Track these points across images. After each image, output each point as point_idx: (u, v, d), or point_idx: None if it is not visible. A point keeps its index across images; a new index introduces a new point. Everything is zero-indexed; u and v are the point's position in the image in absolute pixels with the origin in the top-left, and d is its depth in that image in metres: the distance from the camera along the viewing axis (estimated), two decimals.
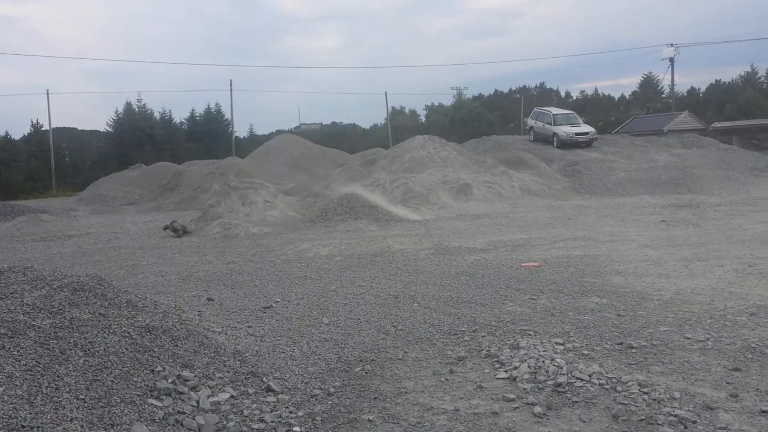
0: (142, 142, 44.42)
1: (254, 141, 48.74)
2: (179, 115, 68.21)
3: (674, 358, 5.50)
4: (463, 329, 6.66)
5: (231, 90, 48.14)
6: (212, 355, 5.34)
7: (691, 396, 4.68)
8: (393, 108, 57.60)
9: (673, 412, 4.38)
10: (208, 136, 48.45)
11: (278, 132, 50.88)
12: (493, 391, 4.98)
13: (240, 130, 72.75)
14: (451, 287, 8.75)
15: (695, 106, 46.62)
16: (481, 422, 4.43)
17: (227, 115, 50.89)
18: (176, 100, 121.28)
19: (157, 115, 50.23)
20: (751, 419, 4.25)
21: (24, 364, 4.32)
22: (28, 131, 46.37)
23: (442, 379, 5.31)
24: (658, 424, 4.24)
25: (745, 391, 4.73)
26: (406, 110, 60.17)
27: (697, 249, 10.85)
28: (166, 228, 16.73)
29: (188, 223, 17.51)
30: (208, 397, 4.72)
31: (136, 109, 48.86)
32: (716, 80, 56.92)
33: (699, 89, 56.74)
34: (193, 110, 52.77)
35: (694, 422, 4.23)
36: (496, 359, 5.66)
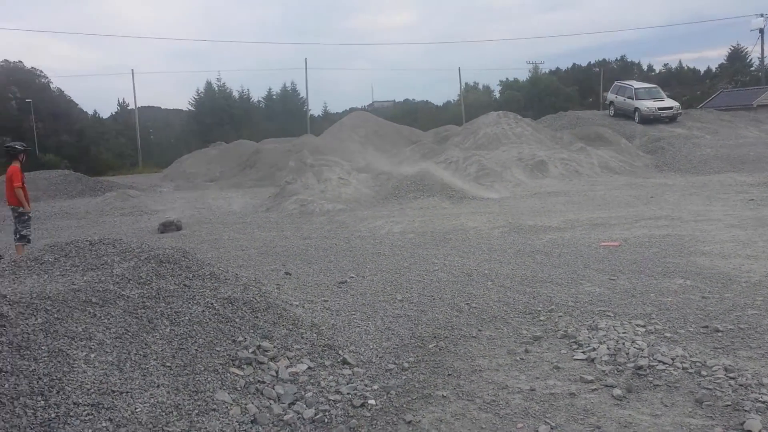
0: (222, 121, 45.78)
1: (328, 119, 49.34)
2: (257, 94, 69.86)
3: (763, 343, 5.23)
4: (539, 309, 6.56)
5: (306, 68, 48.74)
6: (290, 327, 5.48)
7: None
8: (466, 84, 57.01)
9: (760, 399, 4.18)
10: (284, 115, 49.37)
11: (351, 110, 51.27)
12: (570, 372, 4.89)
13: (314, 109, 73.77)
14: (526, 266, 8.62)
15: None
16: (557, 403, 4.37)
17: (302, 94, 51.71)
18: (254, 80, 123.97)
19: (235, 94, 51.61)
20: None
21: (114, 332, 4.57)
22: (115, 110, 48.72)
23: (517, 358, 5.26)
24: (745, 410, 4.06)
25: None
26: (480, 86, 59.35)
27: None
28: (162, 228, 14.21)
29: (267, 200, 17.95)
30: (287, 367, 4.86)
31: (216, 89, 50.34)
32: None
33: None
34: (270, 89, 54.02)
35: None
36: (573, 340, 5.55)
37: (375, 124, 34.76)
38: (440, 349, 5.52)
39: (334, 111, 57.74)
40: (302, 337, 5.37)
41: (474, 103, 50.51)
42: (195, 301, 5.33)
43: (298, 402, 4.43)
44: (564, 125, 30.40)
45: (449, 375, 4.95)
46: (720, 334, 5.51)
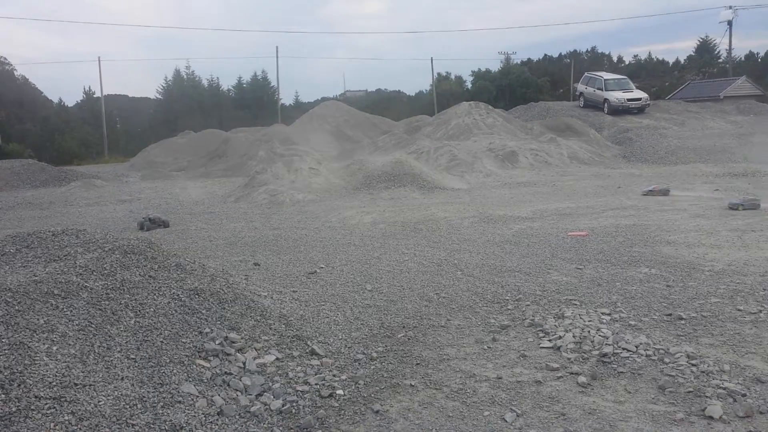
0: (190, 109, 45.12)
1: (300, 108, 48.95)
2: (227, 83, 68.97)
3: (725, 330, 5.35)
4: (507, 298, 6.61)
5: (277, 57, 48.25)
6: (258, 318, 5.44)
7: (741, 369, 4.56)
8: (438, 74, 56.97)
9: (722, 385, 4.28)
10: (254, 104, 48.88)
11: (323, 99, 50.93)
12: (536, 360, 4.94)
13: (286, 98, 73.14)
14: (496, 256, 8.68)
15: (754, 71, 44.44)
16: (524, 390, 4.41)
17: (273, 83, 51.17)
18: (224, 68, 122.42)
19: (205, 82, 50.92)
20: None
21: (77, 324, 4.48)
22: (81, 98, 47.65)
23: (485, 347, 5.30)
24: (706, 397, 4.15)
25: None
26: (452, 76, 59.36)
27: (752, 219, 10.46)
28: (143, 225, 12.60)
29: (236, 190, 17.76)
30: (255, 359, 4.83)
31: (185, 77, 49.60)
32: None
33: (758, 54, 54.24)
34: (240, 78, 53.26)
35: (744, 395, 4.12)
36: (540, 328, 5.61)
37: (347, 114, 34.63)
38: (409, 339, 5.53)
39: (305, 100, 57.32)
40: (270, 328, 5.33)
41: (446, 93, 50.57)
42: (160, 293, 5.26)
43: (265, 393, 4.41)
44: (534, 116, 30.66)
45: (417, 364, 4.96)
46: (683, 321, 5.61)
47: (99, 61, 43.65)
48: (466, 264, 8.23)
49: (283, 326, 5.45)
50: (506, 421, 3.98)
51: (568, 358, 4.92)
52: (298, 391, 4.46)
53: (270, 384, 4.53)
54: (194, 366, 4.52)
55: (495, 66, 64.79)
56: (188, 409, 4.05)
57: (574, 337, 5.27)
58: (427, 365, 4.94)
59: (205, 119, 42.72)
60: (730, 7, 43.78)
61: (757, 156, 21.01)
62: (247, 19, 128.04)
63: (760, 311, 5.77)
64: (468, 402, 4.28)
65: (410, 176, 17.33)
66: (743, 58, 52.80)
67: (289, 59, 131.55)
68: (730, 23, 44.45)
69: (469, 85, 56.54)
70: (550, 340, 5.30)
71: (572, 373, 4.64)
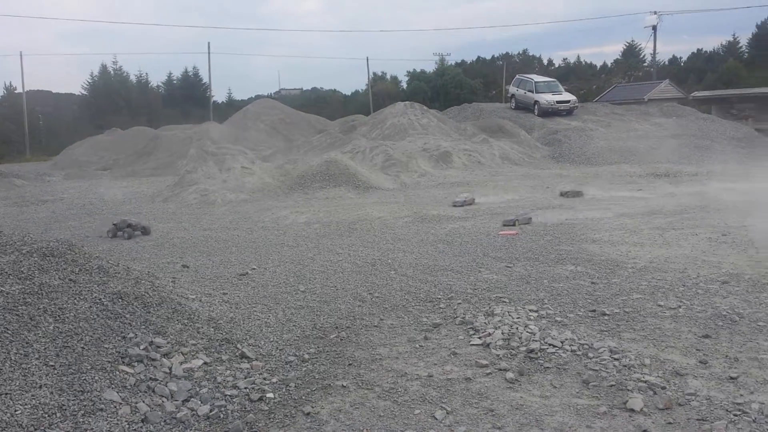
0: (117, 106, 43.65)
1: (233, 106, 48.12)
2: (156, 79, 67.04)
3: (646, 325, 5.58)
4: (439, 297, 6.68)
5: (209, 53, 47.29)
6: (186, 322, 5.29)
7: (661, 362, 4.75)
8: (374, 74, 57.14)
9: (642, 378, 4.45)
10: (185, 101, 47.71)
11: (258, 97, 50.24)
12: (466, 358, 5.01)
13: (218, 95, 71.82)
14: (429, 255, 8.76)
15: (676, 75, 46.67)
16: (453, 388, 4.47)
17: (205, 79, 50.11)
18: (153, 63, 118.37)
19: (133, 78, 49.41)
20: (719, 385, 4.33)
21: None
22: (1, 94, 45.33)
23: (417, 345, 5.34)
24: (628, 390, 4.30)
25: (714, 357, 4.81)
26: (388, 76, 59.67)
27: (673, 218, 10.96)
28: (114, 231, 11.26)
29: (165, 190, 17.26)
30: (181, 363, 4.70)
31: (112, 72, 47.98)
32: (698, 49, 57.06)
33: (681, 58, 56.96)
34: (170, 74, 51.96)
35: (663, 388, 4.30)
36: (470, 326, 5.69)
37: (281, 112, 34.28)
38: (341, 340, 5.51)
39: (239, 98, 56.41)
40: (198, 332, 5.20)
41: (382, 92, 50.73)
42: (81, 297, 5.04)
43: (192, 399, 4.30)
44: (468, 117, 31.14)
45: (350, 365, 4.95)
46: (606, 317, 5.82)
47: (21, 55, 41.67)
48: (399, 263, 8.27)
49: (212, 329, 5.32)
50: (436, 419, 4.02)
51: (497, 355, 5.01)
52: (226, 395, 4.37)
53: (197, 389, 4.42)
54: (117, 372, 4.35)
55: (430, 67, 65.44)
56: (110, 417, 3.90)
57: (503, 333, 5.38)
58: (360, 365, 4.93)
59: (133, 116, 41.38)
60: (655, 12, 45.69)
61: (679, 157, 22.05)
62: (179, 13, 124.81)
63: (680, 306, 6.03)
64: (399, 401, 4.29)
65: (345, 176, 17.30)
66: (667, 62, 55.36)
67: (223, 56, 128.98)
68: (654, 28, 46.31)
69: (404, 85, 56.98)
70: (480, 338, 5.39)
71: (501, 369, 4.73)
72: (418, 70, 55.00)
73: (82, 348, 4.44)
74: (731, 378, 4.42)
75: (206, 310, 5.72)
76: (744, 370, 4.55)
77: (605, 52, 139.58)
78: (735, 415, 3.90)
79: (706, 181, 16.38)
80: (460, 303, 6.41)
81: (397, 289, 7.03)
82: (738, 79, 41.75)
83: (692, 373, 4.53)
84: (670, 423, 3.87)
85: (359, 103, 50.12)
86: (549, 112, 29.83)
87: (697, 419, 3.89)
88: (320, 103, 51.09)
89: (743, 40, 54.04)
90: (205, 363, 4.80)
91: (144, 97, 47.01)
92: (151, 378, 4.41)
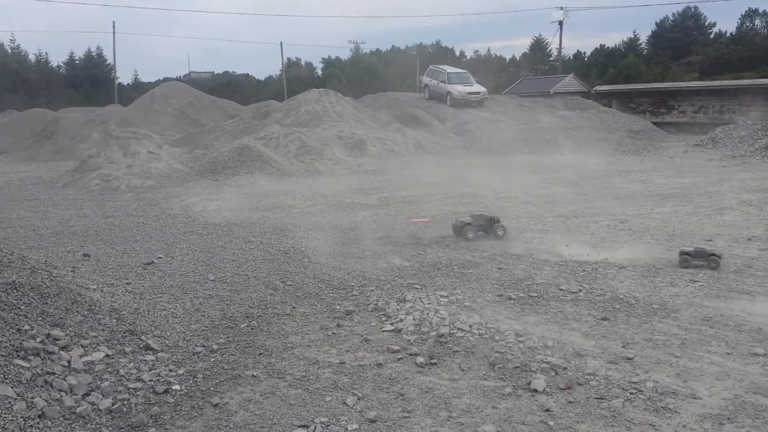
0: (14, 86, 40.93)
1: (139, 88, 46.11)
2: (57, 59, 63.24)
3: (548, 309, 5.82)
4: (353, 284, 6.70)
5: (114, 32, 45.10)
6: (86, 313, 5.04)
7: (562, 344, 4.97)
8: (289, 59, 56.36)
9: (545, 360, 4.64)
10: (88, 82, 45.34)
11: (166, 80, 48.31)
12: (378, 344, 5.05)
13: (124, 77, 68.25)
14: (343, 242, 8.76)
15: (581, 69, 48.62)
16: (365, 374, 4.49)
17: (109, 60, 47.75)
18: (54, 42, 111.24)
19: (32, 57, 46.46)
20: (616, 365, 4.57)
21: None
22: None
23: (329, 333, 5.33)
24: (532, 371, 4.48)
25: (612, 339, 5.08)
26: (302, 62, 59.00)
27: (574, 206, 11.47)
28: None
29: (65, 175, 16.34)
30: (81, 356, 4.47)
31: (9, 51, 44.94)
32: (601, 45, 59.54)
33: (585, 53, 59.22)
34: (72, 53, 49.21)
35: (565, 369, 4.50)
36: (383, 312, 5.74)
37: (191, 96, 33.13)
38: (252, 329, 5.42)
39: (146, 80, 54.13)
40: (99, 324, 4.97)
41: (296, 79, 50.15)
42: None
43: (93, 392, 4.10)
44: (382, 105, 31.28)
45: (260, 354, 4.88)
46: (512, 301, 6.02)
47: None
48: (313, 251, 8.22)
49: (115, 321, 5.10)
50: (347, 405, 4.03)
51: (408, 340, 5.08)
52: (129, 388, 4.20)
53: (98, 383, 4.22)
54: (11, 366, 4.08)
55: (345, 54, 65.23)
56: (5, 413, 3.66)
57: (414, 319, 5.46)
58: (271, 354, 4.87)
59: (31, 97, 38.94)
60: (562, 8, 47.46)
61: (581, 148, 23.06)
62: None
63: (580, 291, 6.33)
64: (311, 389, 4.27)
65: (259, 162, 16.98)
66: (572, 57, 57.39)
67: (129, 36, 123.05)
68: (561, 23, 48.22)
69: (319, 72, 56.50)
70: (392, 324, 5.45)
71: (411, 354, 4.80)
72: (333, 57, 54.71)
73: None
74: (627, 358, 4.68)
75: (108, 301, 5.47)
76: (639, 351, 4.83)
77: (514, 46, 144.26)
78: (631, 393, 4.14)
79: (606, 171, 17.22)
80: (372, 290, 6.45)
81: (310, 277, 6.98)
82: (637, 75, 44.01)
83: (591, 354, 4.77)
84: (570, 402, 4.06)
85: (273, 89, 49.32)
86: (461, 103, 30.41)
87: (596, 398, 4.10)
88: (232, 88, 49.82)
89: (643, 37, 57.15)
90: (107, 355, 4.59)
91: (43, 78, 44.31)
92: (48, 372, 4.18)
